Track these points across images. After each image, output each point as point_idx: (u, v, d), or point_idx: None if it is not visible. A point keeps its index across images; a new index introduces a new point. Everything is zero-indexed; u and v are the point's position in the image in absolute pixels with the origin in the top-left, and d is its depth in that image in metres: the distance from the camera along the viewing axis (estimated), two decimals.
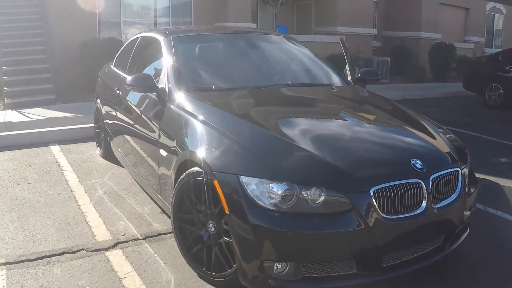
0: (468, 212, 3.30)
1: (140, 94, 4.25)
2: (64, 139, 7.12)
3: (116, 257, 3.54)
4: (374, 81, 4.87)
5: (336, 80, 4.65)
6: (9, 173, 5.55)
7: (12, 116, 8.26)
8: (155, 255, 3.55)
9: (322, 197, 2.63)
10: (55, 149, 6.69)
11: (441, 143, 3.38)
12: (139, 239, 3.82)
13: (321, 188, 2.63)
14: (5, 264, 3.47)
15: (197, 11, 13.02)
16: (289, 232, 2.59)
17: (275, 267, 2.66)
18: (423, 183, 2.85)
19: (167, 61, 4.18)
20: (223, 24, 12.71)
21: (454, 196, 3.05)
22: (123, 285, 3.16)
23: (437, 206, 2.93)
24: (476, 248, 3.71)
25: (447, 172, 3.04)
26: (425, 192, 2.84)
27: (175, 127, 3.55)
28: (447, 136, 3.58)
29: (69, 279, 3.24)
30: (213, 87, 4.00)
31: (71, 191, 4.95)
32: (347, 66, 5.12)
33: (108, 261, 3.48)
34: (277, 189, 2.60)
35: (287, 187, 2.61)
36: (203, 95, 3.81)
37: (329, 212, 2.64)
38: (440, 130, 3.66)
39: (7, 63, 9.82)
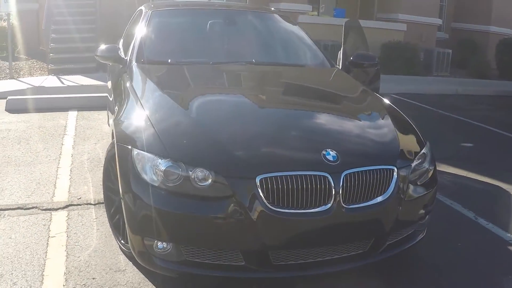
0: (418, 218, 3.05)
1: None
2: (84, 106, 7.52)
3: (59, 217, 3.78)
4: (370, 66, 4.76)
5: (316, 61, 4.56)
6: (16, 133, 6.00)
7: (50, 81, 8.83)
8: (94, 220, 3.75)
9: (209, 180, 2.53)
10: (72, 114, 7.11)
11: (379, 138, 3.07)
12: (90, 204, 4.04)
13: (207, 170, 2.53)
14: None
15: None
16: (165, 210, 2.54)
17: (156, 246, 2.65)
18: (330, 178, 2.57)
19: (138, 33, 4.34)
20: (277, 4, 12.66)
21: (380, 198, 2.71)
22: (47, 243, 3.38)
23: (350, 206, 2.62)
24: (436, 262, 3.38)
25: (370, 170, 2.70)
26: (332, 188, 2.57)
27: (116, 98, 3.71)
28: (403, 131, 3.24)
29: (7, 231, 3.51)
30: (169, 60, 4.07)
31: (60, 154, 5.28)
32: (341, 49, 5.01)
33: (50, 220, 3.72)
34: (162, 165, 2.59)
35: (170, 164, 2.58)
36: (152, 67, 3.92)
37: (212, 195, 2.53)
38: (400, 125, 3.31)
39: (56, 31, 10.44)
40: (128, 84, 3.61)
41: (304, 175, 2.55)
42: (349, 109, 3.57)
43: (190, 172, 2.54)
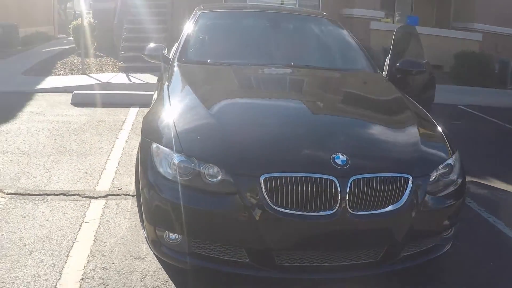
0: (438, 231, 2.97)
1: None
2: (147, 103, 7.82)
3: (96, 205, 4.01)
4: (418, 73, 4.63)
5: (358, 66, 4.54)
6: (76, 125, 6.40)
7: (118, 78, 9.32)
8: (129, 211, 3.94)
9: (219, 177, 2.60)
10: (133, 111, 7.46)
11: (397, 145, 3.01)
12: (129, 195, 4.25)
13: (217, 167, 2.61)
14: (13, 194, 4.15)
15: None
16: (175, 203, 2.63)
17: (167, 236, 2.76)
18: (337, 182, 2.55)
19: (185, 33, 4.53)
20: (351, 10, 12.60)
21: (391, 207, 2.64)
22: (80, 228, 3.60)
23: (357, 213, 2.58)
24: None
25: (381, 177, 2.65)
26: (338, 193, 2.55)
27: (155, 95, 3.88)
28: (428, 140, 3.17)
29: (46, 214, 3.78)
30: (209, 60, 4.20)
31: (112, 147, 5.58)
32: (388, 56, 4.94)
33: (88, 207, 3.96)
34: (176, 159, 2.70)
35: (183, 159, 2.68)
36: (192, 67, 4.08)
37: (219, 191, 2.60)
38: (427, 134, 3.24)
39: (129, 29, 10.98)
40: (166, 82, 3.77)
41: (310, 177, 2.55)
42: (373, 114, 3.52)
43: (201, 168, 2.64)
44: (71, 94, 7.87)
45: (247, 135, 2.87)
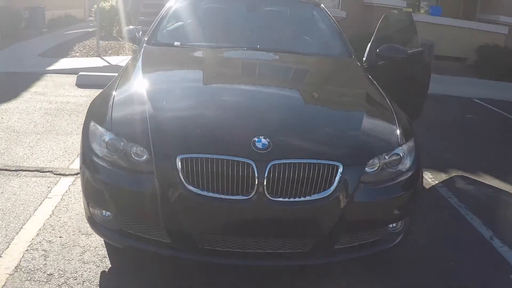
0: (379, 224, 2.91)
1: None
2: None
3: (64, 182, 4.19)
4: (396, 58, 4.48)
5: (331, 51, 4.52)
6: (73, 106, 6.65)
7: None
8: None
9: (144, 156, 2.65)
10: None
11: (333, 132, 2.98)
12: None
13: (140, 146, 2.67)
14: None
15: None
16: (102, 180, 2.72)
17: (99, 212, 2.85)
18: (254, 166, 2.52)
19: (159, 16, 4.63)
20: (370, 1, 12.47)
21: (316, 196, 2.59)
22: (41, 203, 3.79)
23: (276, 199, 2.55)
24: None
25: (306, 163, 2.58)
26: (256, 178, 2.52)
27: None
28: (376, 128, 3.11)
29: (15, 189, 4.00)
30: (175, 43, 4.26)
31: None
32: (370, 42, 4.81)
33: (56, 184, 4.15)
34: (106, 137, 2.79)
35: (113, 137, 2.77)
36: (157, 49, 4.19)
37: (142, 170, 2.64)
38: (377, 122, 3.20)
39: (145, 13, 11.19)
40: (125, 64, 3.90)
41: (226, 159, 2.54)
42: (321, 99, 3.51)
43: (128, 147, 2.71)
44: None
45: (173, 117, 2.90)
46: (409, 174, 2.94)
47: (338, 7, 13.19)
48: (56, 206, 3.75)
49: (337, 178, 2.63)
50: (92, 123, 2.95)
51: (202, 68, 3.99)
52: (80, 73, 8.09)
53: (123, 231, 2.82)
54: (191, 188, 2.55)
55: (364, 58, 4.69)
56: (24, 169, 4.43)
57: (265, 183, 2.53)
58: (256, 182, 2.53)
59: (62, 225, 3.47)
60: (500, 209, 4.58)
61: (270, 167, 2.55)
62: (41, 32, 14.21)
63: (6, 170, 4.39)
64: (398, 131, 3.05)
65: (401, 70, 5.03)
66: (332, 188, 2.62)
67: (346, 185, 2.66)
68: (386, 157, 2.86)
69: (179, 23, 4.69)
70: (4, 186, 4.04)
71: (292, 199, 2.58)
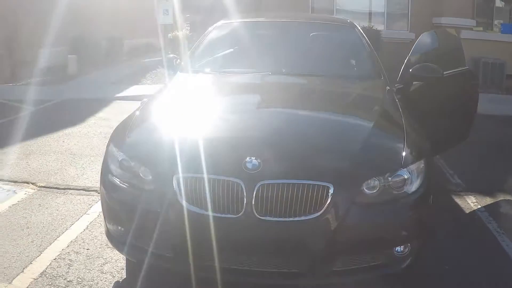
0: (380, 247, 2.89)
1: None
2: None
3: None
4: (430, 79, 4.40)
5: (358, 73, 4.57)
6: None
7: None
8: None
9: (149, 176, 2.88)
10: None
11: (329, 153, 3.01)
12: None
13: (144, 166, 2.91)
14: (43, 187, 4.92)
15: (414, 5, 12.85)
16: (117, 199, 3.02)
17: (114, 227, 3.11)
18: (243, 186, 2.66)
19: (195, 45, 4.97)
20: (439, 19, 12.29)
21: (306, 216, 2.66)
22: (79, 218, 4.19)
23: (265, 218, 2.66)
24: None
25: (295, 183, 2.67)
26: (244, 197, 2.66)
27: None
28: (379, 150, 3.11)
29: (59, 205, 4.45)
30: (205, 70, 4.56)
31: None
32: (406, 60, 4.74)
33: (97, 202, 4.52)
34: (119, 158, 3.08)
35: (124, 158, 3.05)
36: (189, 76, 4.48)
37: (147, 189, 2.88)
38: (383, 143, 3.22)
39: None
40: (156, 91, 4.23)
41: (218, 179, 2.71)
42: (325, 120, 3.59)
43: (136, 167, 2.99)
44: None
45: (174, 139, 3.10)
46: (416, 196, 2.90)
47: (407, 29, 13.06)
48: (91, 222, 4.11)
49: (328, 200, 2.68)
50: (111, 145, 3.28)
51: (218, 93, 4.21)
52: (144, 99, 8.61)
53: (134, 245, 3.05)
54: (186, 205, 2.74)
55: (397, 79, 4.66)
56: (72, 187, 4.89)
57: (253, 203, 2.66)
58: (245, 202, 2.66)
59: (92, 239, 3.81)
60: None
61: (259, 187, 2.67)
62: (120, 61, 15.19)
63: (55, 188, 4.87)
64: (404, 152, 3.02)
65: (444, 90, 4.97)
66: (323, 209, 2.67)
67: (338, 206, 2.69)
68: (390, 178, 2.86)
69: (215, 50, 4.95)
70: (50, 202, 4.50)
71: (280, 219, 2.68)
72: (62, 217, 4.19)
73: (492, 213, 4.60)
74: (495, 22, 13.91)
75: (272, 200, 2.66)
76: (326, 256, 2.77)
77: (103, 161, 3.28)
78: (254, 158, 2.77)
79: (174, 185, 2.79)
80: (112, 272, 3.36)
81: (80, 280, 3.25)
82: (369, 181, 2.81)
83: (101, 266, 3.43)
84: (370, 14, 13.07)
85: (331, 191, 2.69)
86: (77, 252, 3.60)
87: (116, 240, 3.16)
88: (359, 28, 5.29)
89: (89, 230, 3.96)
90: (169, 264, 2.94)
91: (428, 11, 12.38)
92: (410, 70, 4.35)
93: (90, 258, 3.53)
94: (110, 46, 15.30)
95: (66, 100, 9.56)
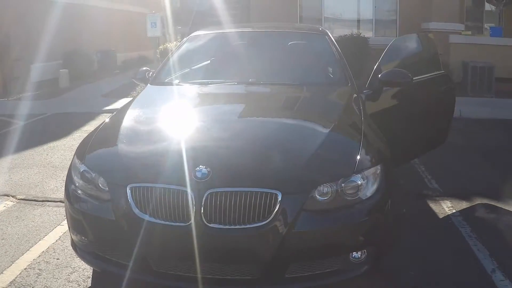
0: (333, 253, 2.92)
1: None
2: None
3: None
4: (400, 84, 4.41)
5: (324, 80, 4.61)
6: None
7: None
8: None
9: (106, 186, 2.98)
10: None
11: (278, 160, 3.03)
12: None
13: (101, 176, 3.02)
14: (22, 199, 5.03)
15: (402, 11, 13.00)
16: (76, 207, 3.11)
17: (78, 237, 3.20)
18: (191, 195, 2.74)
19: (167, 57, 5.07)
20: (427, 24, 12.42)
21: (254, 224, 2.73)
22: (53, 229, 4.29)
23: (213, 226, 2.73)
24: None
25: (243, 191, 2.74)
26: (193, 205, 2.73)
27: None
28: (332, 154, 3.16)
29: (36, 216, 4.57)
30: (174, 82, 4.65)
31: None
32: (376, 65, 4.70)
33: None
34: (81, 169, 3.19)
35: (85, 169, 3.16)
36: (157, 89, 4.58)
37: (104, 199, 2.97)
38: (333, 146, 3.27)
39: None
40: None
41: (168, 188, 2.79)
42: (280, 127, 3.61)
43: (95, 178, 3.09)
44: None
45: (130, 150, 3.23)
46: (371, 202, 2.95)
47: (396, 35, 13.16)
48: (64, 233, 4.21)
49: (276, 207, 2.74)
50: (74, 157, 3.40)
51: (180, 104, 4.25)
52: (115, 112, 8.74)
53: (95, 254, 3.15)
54: (139, 214, 2.83)
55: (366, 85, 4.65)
56: (50, 200, 5.00)
57: (202, 211, 2.73)
58: (194, 210, 2.74)
59: (63, 249, 3.91)
60: None
61: (207, 195, 2.75)
62: (112, 74, 15.38)
63: (34, 200, 4.98)
64: (358, 157, 3.06)
65: (420, 95, 4.98)
66: (271, 216, 2.73)
67: (287, 213, 2.75)
68: (343, 184, 2.90)
69: (186, 61, 5.03)
70: (27, 214, 4.61)
71: (228, 227, 2.74)
72: (37, 229, 4.29)
73: (467, 217, 4.62)
74: (485, 26, 14.04)
75: (221, 208, 2.73)
76: (277, 263, 2.82)
77: (67, 172, 3.39)
78: (204, 167, 2.85)
79: (128, 194, 2.89)
80: (78, 281, 3.45)
81: None
82: (320, 187, 2.86)
83: (68, 275, 3.52)
84: (358, 21, 13.23)
85: (279, 198, 2.75)
86: (47, 262, 3.70)
87: (80, 250, 3.25)
88: (331, 35, 5.36)
89: (61, 241, 4.05)
90: (129, 272, 3.00)
91: (417, 17, 12.53)
92: (379, 76, 4.36)
93: (59, 268, 3.62)
94: (103, 59, 15.49)
95: (55, 114, 9.71)
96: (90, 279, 3.48)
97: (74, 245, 3.31)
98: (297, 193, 2.83)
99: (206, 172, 2.82)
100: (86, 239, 3.16)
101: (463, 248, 4.01)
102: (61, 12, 13.21)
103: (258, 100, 4.36)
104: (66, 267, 3.64)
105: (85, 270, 3.58)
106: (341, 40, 11.38)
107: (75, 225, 3.22)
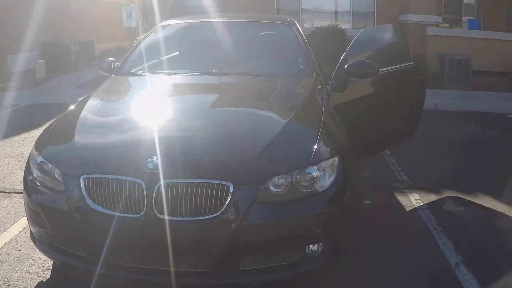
0: (288, 246, 2.90)
1: None
2: None
3: None
4: (366, 75, 4.41)
5: (288, 71, 4.53)
6: None
7: None
8: None
9: (60, 177, 2.98)
10: None
11: (232, 151, 3.02)
12: None
13: (56, 168, 3.01)
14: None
15: (380, 3, 13.06)
16: (33, 198, 3.10)
17: (36, 229, 3.19)
18: (144, 186, 2.73)
19: (133, 47, 5.05)
20: (405, 16, 12.50)
21: (206, 216, 2.71)
22: (18, 220, 4.27)
23: (165, 218, 2.70)
24: None
25: (195, 182, 2.73)
26: (145, 197, 2.72)
27: None
28: (287, 147, 3.09)
29: (2, 208, 4.54)
30: (138, 72, 4.60)
31: None
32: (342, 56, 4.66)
33: None
34: (38, 160, 3.18)
35: (42, 160, 3.15)
36: (119, 78, 4.56)
37: (60, 190, 2.96)
38: (289, 137, 3.20)
39: None
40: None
41: (121, 179, 2.79)
42: (237, 119, 3.56)
43: (52, 169, 3.08)
44: None
45: (84, 141, 3.21)
46: (327, 194, 2.93)
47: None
48: (28, 224, 4.18)
49: (228, 199, 2.72)
50: (33, 148, 3.39)
51: (139, 95, 4.26)
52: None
53: (53, 246, 3.14)
54: (93, 205, 2.83)
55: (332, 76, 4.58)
56: (17, 191, 4.96)
57: (153, 202, 2.72)
58: (146, 201, 2.73)
59: (25, 240, 3.90)
60: (480, 233, 4.24)
61: (158, 187, 2.73)
62: (91, 65, 15.24)
63: (1, 192, 4.94)
64: (315, 149, 3.03)
65: (389, 86, 4.99)
66: (223, 208, 2.71)
67: (239, 205, 2.74)
68: (298, 176, 2.87)
69: (152, 51, 4.94)
70: None
71: (180, 218, 2.72)
72: (1, 220, 4.28)
73: (434, 210, 4.62)
74: (464, 18, 14.16)
75: (172, 200, 2.71)
76: (231, 256, 2.81)
77: (26, 164, 3.38)
78: (156, 158, 2.83)
79: (81, 186, 2.89)
80: (38, 273, 3.45)
81: (6, 280, 3.34)
82: (274, 179, 2.84)
83: (29, 266, 3.52)
84: (336, 13, 13.27)
85: (230, 190, 2.74)
86: (9, 254, 3.69)
87: (39, 242, 3.24)
88: (298, 26, 5.31)
89: (25, 232, 4.04)
90: (85, 264, 3.00)
91: (394, 9, 12.61)
92: (345, 66, 4.30)
93: (20, 259, 3.62)
94: (81, 50, 15.38)
95: (29, 105, 9.64)
96: (50, 271, 3.48)
97: (33, 237, 3.30)
98: (249, 184, 2.81)
99: (158, 163, 2.80)
100: (44, 231, 3.16)
101: (428, 242, 4.03)
102: (40, 2, 13.07)
103: (218, 90, 4.35)
104: (27, 258, 3.63)
105: (45, 262, 3.57)
106: (317, 31, 11.45)
107: (33, 217, 3.21)
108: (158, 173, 2.76)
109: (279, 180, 2.85)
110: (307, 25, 12.85)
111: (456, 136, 7.67)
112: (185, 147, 3.03)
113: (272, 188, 2.83)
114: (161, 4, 14.50)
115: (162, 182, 2.74)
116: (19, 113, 9.02)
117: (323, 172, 2.95)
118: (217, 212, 2.72)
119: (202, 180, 2.76)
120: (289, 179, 2.86)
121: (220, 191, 2.74)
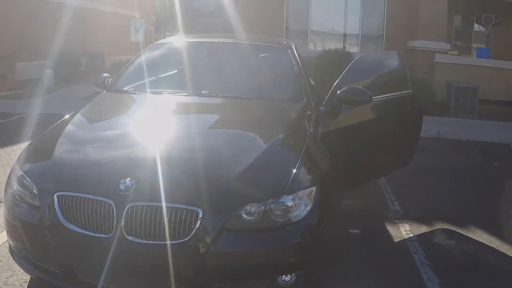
0: (257, 275, 2.88)
1: None
2: None
3: None
4: (358, 102, 4.35)
5: (279, 96, 4.45)
6: None
7: None
8: None
9: (36, 192, 3.01)
10: None
11: (211, 177, 2.96)
12: None
13: (33, 183, 3.05)
14: None
15: (389, 28, 13.11)
16: (11, 212, 3.13)
17: (14, 242, 3.22)
18: (114, 207, 2.75)
19: (128, 64, 5.12)
20: (413, 42, 12.53)
21: (174, 240, 2.71)
22: (3, 231, 4.28)
23: (134, 240, 2.72)
24: None
25: (165, 207, 2.73)
26: (115, 218, 2.74)
27: None
28: (262, 176, 3.04)
29: None
30: (129, 90, 4.65)
31: None
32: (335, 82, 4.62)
33: None
34: (18, 174, 3.22)
35: (21, 174, 3.16)
36: (110, 95, 4.61)
37: (35, 204, 2.99)
38: (266, 165, 3.15)
39: None
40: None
41: (93, 199, 2.82)
42: (215, 144, 3.49)
43: (31, 184, 3.12)
44: None
45: (62, 158, 3.23)
46: (302, 224, 2.90)
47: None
48: None
49: (197, 224, 2.71)
50: (15, 162, 3.44)
51: (124, 114, 4.29)
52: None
53: (29, 260, 3.17)
54: (65, 223, 2.85)
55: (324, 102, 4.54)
56: None
57: (122, 224, 2.74)
58: (115, 222, 2.75)
59: (7, 252, 3.91)
60: (468, 268, 4.15)
61: (128, 208, 2.75)
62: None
63: None
64: (292, 177, 2.99)
65: (385, 113, 5.00)
66: (191, 234, 2.71)
67: (208, 232, 2.73)
68: (272, 205, 2.85)
69: (145, 70, 4.97)
70: None
71: (148, 242, 2.72)
72: None
73: (423, 243, 4.54)
74: (473, 46, 14.16)
75: (141, 222, 2.73)
76: (199, 283, 2.79)
77: (7, 177, 3.43)
78: (128, 179, 2.85)
79: (55, 202, 2.93)
80: (15, 285, 3.48)
81: None
82: (247, 206, 2.82)
83: (7, 278, 3.56)
84: (345, 35, 13.32)
85: (200, 215, 2.73)
86: None
87: (16, 256, 3.27)
88: (294, 49, 5.26)
89: (8, 243, 4.06)
90: (58, 280, 3.02)
91: (403, 34, 12.64)
92: (337, 93, 4.27)
93: None
94: (91, 61, 15.54)
95: (34, 114, 9.71)
96: (27, 284, 3.50)
97: (11, 250, 3.34)
98: (220, 211, 2.80)
99: (130, 184, 2.83)
100: (21, 244, 3.19)
101: (413, 275, 3.95)
102: (52, 12, 13.28)
103: (205, 112, 4.36)
104: (7, 270, 3.67)
105: (24, 274, 3.60)
106: (325, 54, 11.49)
107: (11, 230, 3.24)
108: (129, 195, 2.78)
109: (252, 208, 2.83)
110: (317, 47, 12.94)
111: (455, 165, 7.59)
112: (159, 169, 2.99)
113: (244, 215, 2.82)
114: (172, 19, 14.67)
115: (132, 204, 2.76)
116: (21, 122, 9.09)
117: (299, 201, 2.92)
118: (186, 237, 2.72)
119: (172, 205, 2.76)
120: (262, 208, 2.83)
121: (189, 217, 2.73)
